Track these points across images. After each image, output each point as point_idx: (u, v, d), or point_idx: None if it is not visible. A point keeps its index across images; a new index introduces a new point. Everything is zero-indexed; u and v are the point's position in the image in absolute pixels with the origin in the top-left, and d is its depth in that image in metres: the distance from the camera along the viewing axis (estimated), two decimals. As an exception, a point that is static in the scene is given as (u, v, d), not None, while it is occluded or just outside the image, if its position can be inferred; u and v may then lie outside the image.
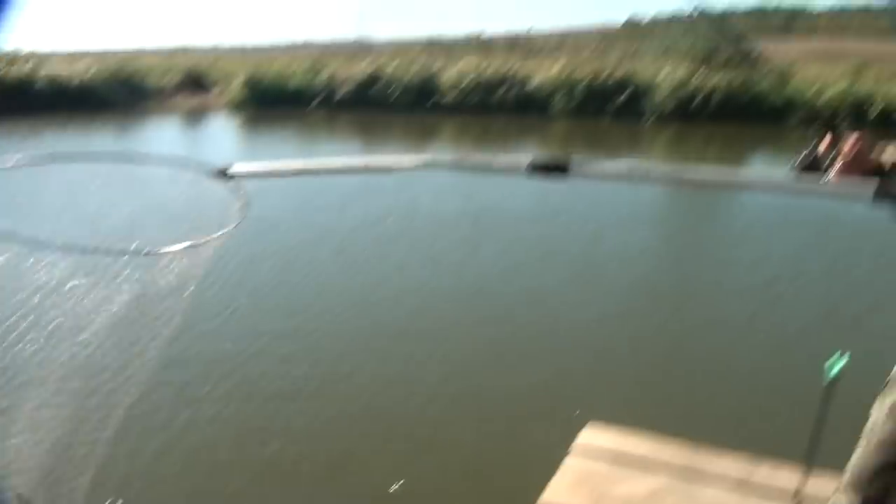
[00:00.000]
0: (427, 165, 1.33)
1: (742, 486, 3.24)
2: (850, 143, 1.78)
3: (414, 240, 9.69)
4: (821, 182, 1.72)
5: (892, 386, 1.99)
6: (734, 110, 24.22)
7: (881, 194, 1.37)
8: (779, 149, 21.36)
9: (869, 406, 2.04)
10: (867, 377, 2.10)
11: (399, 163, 1.38)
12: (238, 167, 1.78)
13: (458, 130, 23.40)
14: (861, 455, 2.05)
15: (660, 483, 3.26)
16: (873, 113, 23.37)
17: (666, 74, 25.17)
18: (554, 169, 1.25)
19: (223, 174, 1.79)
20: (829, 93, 24.08)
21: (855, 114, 23.14)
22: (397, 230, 10.08)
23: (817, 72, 30.85)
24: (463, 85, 26.00)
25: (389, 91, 26.70)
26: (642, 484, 3.25)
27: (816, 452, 2.58)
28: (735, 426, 4.70)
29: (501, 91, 25.72)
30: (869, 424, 2.05)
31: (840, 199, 1.73)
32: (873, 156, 1.81)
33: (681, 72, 25.02)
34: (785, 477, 3.21)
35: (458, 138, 22.42)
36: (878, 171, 1.76)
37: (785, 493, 3.11)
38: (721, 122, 23.78)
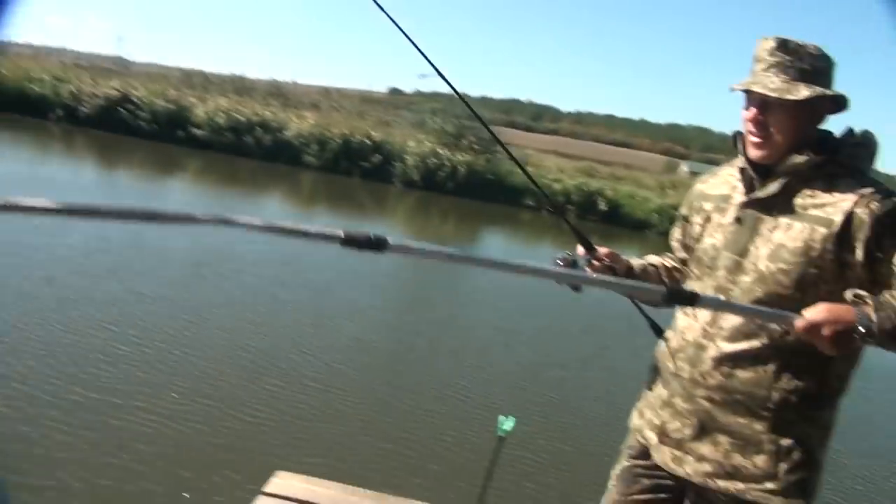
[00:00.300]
0: (225, 222, 1.14)
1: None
2: (603, 251, 2.18)
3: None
4: (615, 281, 1.93)
5: (620, 455, 2.21)
6: (475, 187, 26.00)
7: (669, 297, 1.55)
8: (513, 226, 23.26)
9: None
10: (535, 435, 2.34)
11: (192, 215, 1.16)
12: None
13: (205, 167, 22.62)
14: None
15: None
16: (601, 206, 26.50)
17: (417, 145, 26.47)
18: (369, 244, 1.22)
19: None
20: (565, 183, 26.81)
21: (586, 204, 26.02)
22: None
23: (556, 163, 34.34)
24: (217, 122, 25.29)
25: (138, 115, 25.12)
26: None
27: (486, 498, 2.78)
28: (420, 477, 4.99)
29: (255, 135, 25.38)
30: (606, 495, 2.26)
31: (633, 295, 1.99)
32: (620, 266, 2.19)
33: (430, 145, 26.44)
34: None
35: (204, 175, 21.68)
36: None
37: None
38: (463, 196, 25.39)
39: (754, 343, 1.81)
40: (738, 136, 1.91)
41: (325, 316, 8.70)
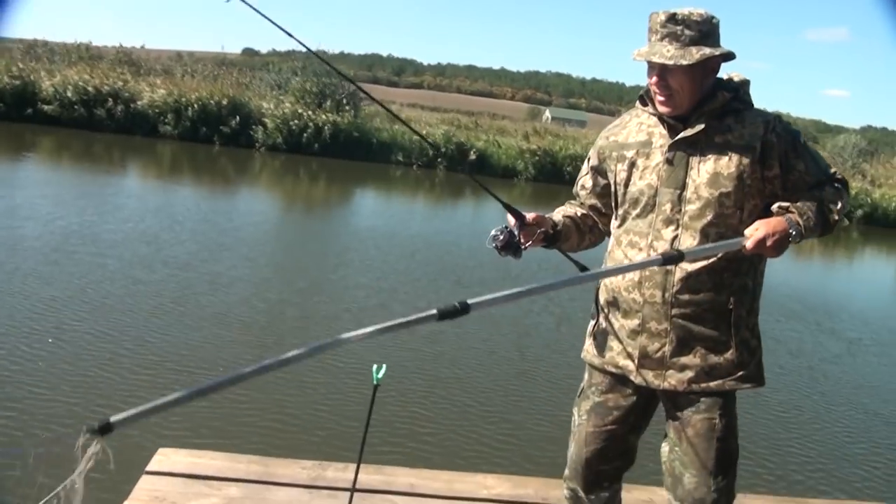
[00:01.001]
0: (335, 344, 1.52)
1: (311, 485, 3.50)
2: (531, 217, 2.37)
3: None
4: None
5: (585, 393, 2.47)
6: (342, 147, 25.67)
7: (668, 261, 1.95)
8: (385, 183, 23.20)
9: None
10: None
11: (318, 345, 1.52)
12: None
13: (58, 145, 21.20)
14: (574, 450, 2.47)
15: (234, 493, 3.35)
16: (470, 156, 26.80)
17: (277, 106, 25.79)
18: (458, 311, 1.51)
19: None
20: (434, 136, 26.90)
21: (454, 156, 26.25)
22: None
23: (421, 117, 34.36)
24: (66, 96, 23.65)
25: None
26: (217, 496, 3.32)
27: (365, 448, 2.91)
28: (305, 437, 5.09)
29: (107, 107, 23.94)
30: (574, 424, 2.49)
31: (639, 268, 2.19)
32: (547, 226, 2.42)
33: (291, 106, 25.82)
34: (348, 475, 3.55)
35: (58, 154, 20.34)
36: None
37: (347, 483, 3.44)
38: (330, 156, 25.04)
39: (711, 259, 2.13)
40: (646, 94, 2.25)
41: (189, 292, 8.50)
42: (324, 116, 25.58)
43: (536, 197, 24.63)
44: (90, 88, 23.91)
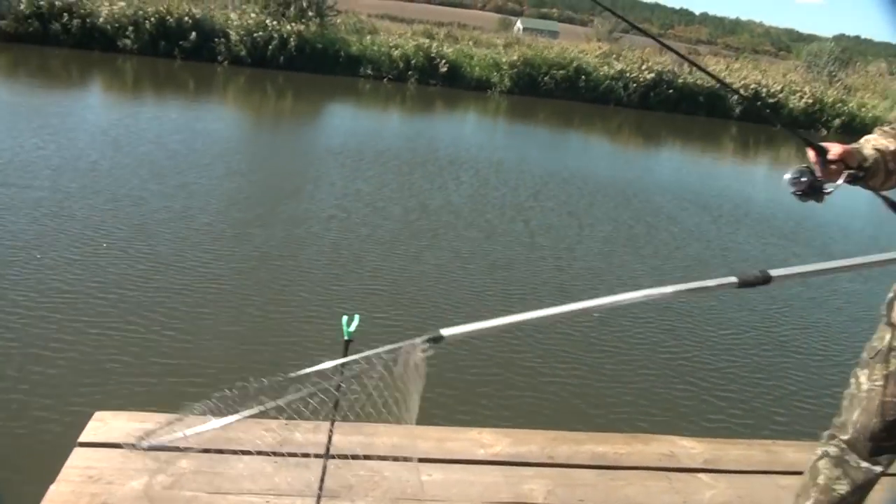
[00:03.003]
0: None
1: (278, 451, 2.95)
2: (835, 153, 1.97)
3: None
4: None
5: (884, 356, 2.12)
6: (309, 59, 24.50)
7: None
8: (354, 97, 22.22)
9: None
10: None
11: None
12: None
13: (14, 61, 19.77)
14: (859, 417, 2.16)
15: (185, 466, 2.80)
16: (441, 69, 25.72)
17: (240, 17, 24.40)
18: (759, 281, 1.46)
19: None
20: (404, 48, 25.70)
21: (426, 69, 25.20)
22: None
23: (391, 27, 32.88)
24: (19, 9, 21.98)
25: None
26: (163, 472, 2.76)
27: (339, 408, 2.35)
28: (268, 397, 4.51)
29: (62, 21, 22.33)
30: (861, 390, 2.18)
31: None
32: (853, 162, 2.00)
33: (255, 16, 24.46)
34: (321, 436, 3.02)
35: (14, 71, 18.95)
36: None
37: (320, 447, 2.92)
38: (296, 69, 23.86)
39: None
40: None
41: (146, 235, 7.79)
42: (289, 27, 24.18)
43: (513, 110, 23.76)
44: (43, 3, 22.26)
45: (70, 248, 6.54)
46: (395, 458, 3.00)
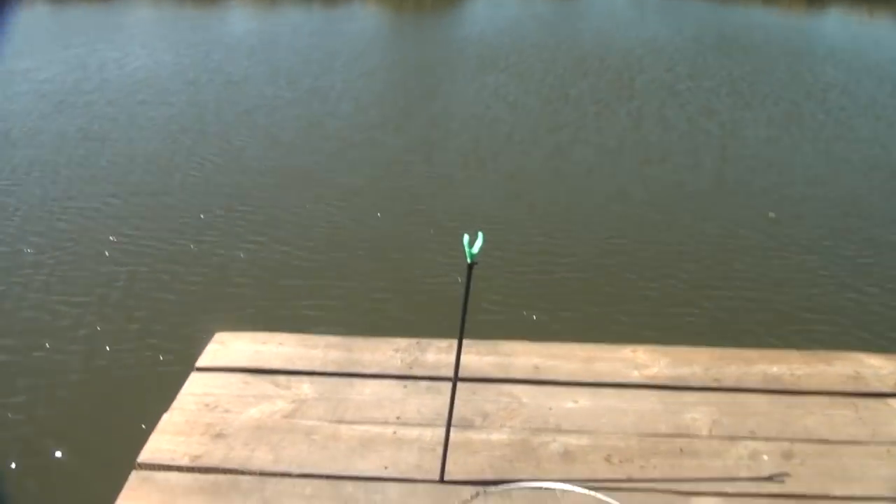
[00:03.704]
0: None
1: (407, 375, 2.69)
2: None
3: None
4: None
5: None
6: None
7: None
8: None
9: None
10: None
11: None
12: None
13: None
14: None
15: (307, 392, 2.59)
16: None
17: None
18: None
19: None
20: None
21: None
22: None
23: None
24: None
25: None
26: (283, 398, 2.56)
27: (465, 329, 2.01)
28: (392, 317, 4.25)
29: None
30: None
31: None
32: None
33: None
34: (450, 354, 2.72)
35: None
36: None
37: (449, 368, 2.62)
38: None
39: None
40: None
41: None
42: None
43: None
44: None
45: (196, 165, 6.53)
46: (536, 382, 2.66)
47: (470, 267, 1.85)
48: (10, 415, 3.43)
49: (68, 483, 3.04)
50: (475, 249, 1.81)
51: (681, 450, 2.33)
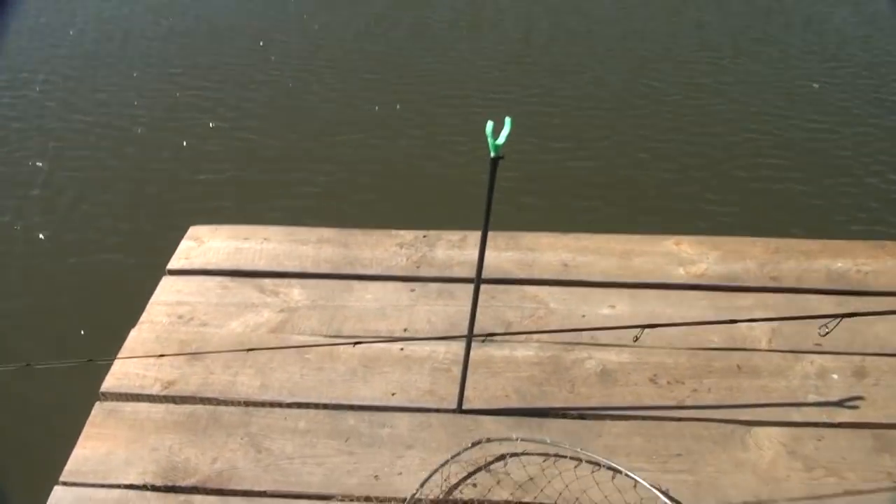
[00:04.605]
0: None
1: (414, 276, 2.31)
2: None
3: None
4: None
5: None
6: None
7: None
8: None
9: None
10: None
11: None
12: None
13: None
14: None
15: (297, 298, 2.22)
16: None
17: None
18: None
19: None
20: None
21: None
22: None
23: None
24: None
25: None
26: (269, 307, 2.20)
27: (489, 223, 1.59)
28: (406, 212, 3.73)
29: None
30: None
31: None
32: None
33: None
34: (463, 249, 2.34)
35: None
36: None
37: (467, 268, 2.25)
38: None
39: None
40: None
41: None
42: None
43: None
44: None
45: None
46: (566, 283, 2.28)
47: (494, 161, 1.43)
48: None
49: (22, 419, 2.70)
50: (501, 140, 1.37)
51: (738, 367, 1.99)
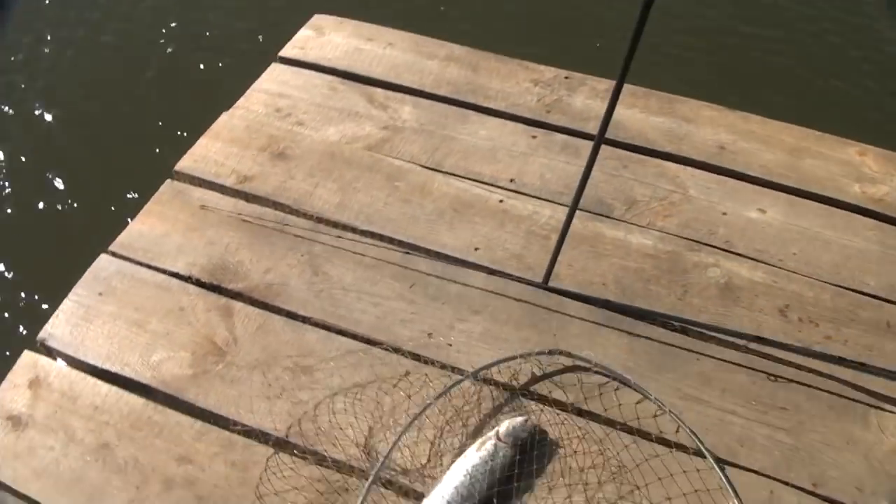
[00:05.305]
0: None
1: (543, 116, 2.01)
2: None
3: None
4: None
5: None
6: None
7: None
8: None
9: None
10: None
11: None
12: None
13: None
14: None
15: (410, 117, 1.98)
16: None
17: None
18: None
19: None
20: None
21: None
22: None
23: None
24: None
25: None
26: (382, 119, 1.97)
27: (627, 71, 1.26)
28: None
29: None
30: None
31: None
32: None
33: None
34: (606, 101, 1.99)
35: None
36: None
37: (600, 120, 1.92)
38: None
39: None
40: None
41: None
42: None
43: None
44: None
45: None
46: (717, 169, 1.91)
47: None
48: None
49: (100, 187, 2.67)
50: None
51: (888, 324, 1.62)
